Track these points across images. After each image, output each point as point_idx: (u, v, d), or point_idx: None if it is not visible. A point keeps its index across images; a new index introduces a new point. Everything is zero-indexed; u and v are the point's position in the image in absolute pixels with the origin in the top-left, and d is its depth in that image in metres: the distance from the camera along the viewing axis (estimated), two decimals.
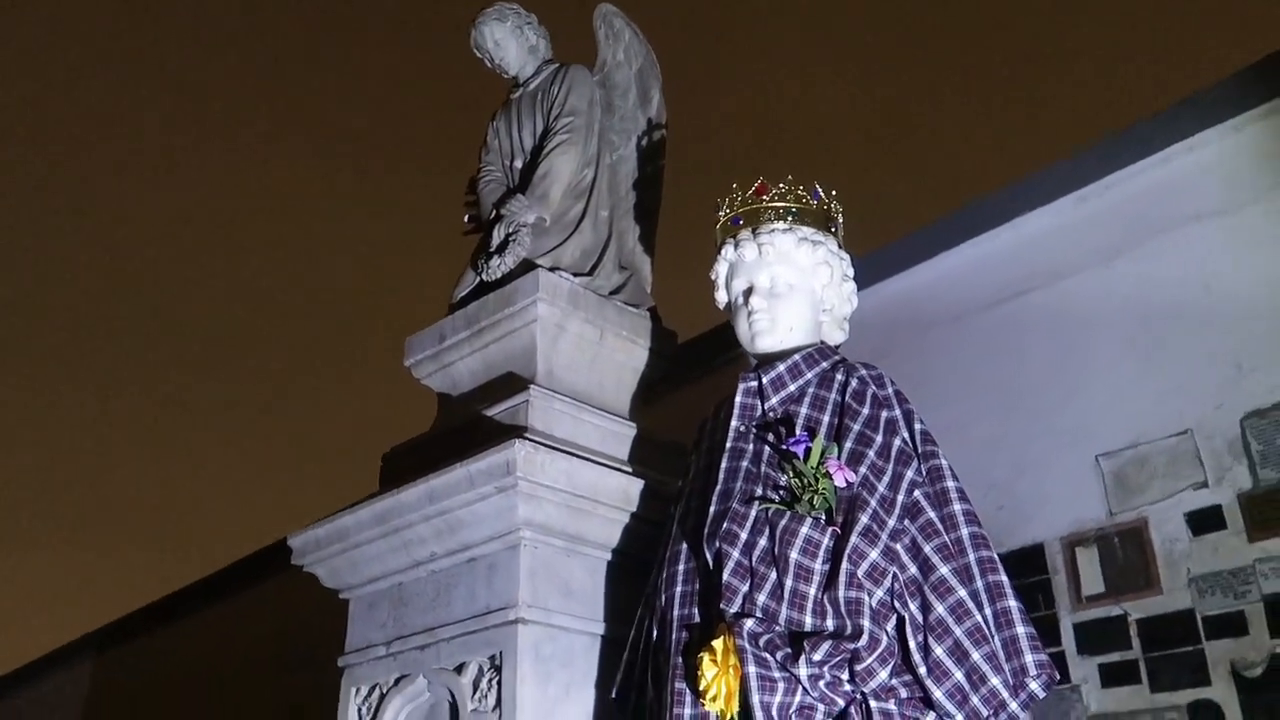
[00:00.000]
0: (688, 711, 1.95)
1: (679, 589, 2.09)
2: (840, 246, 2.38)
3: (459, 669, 2.34)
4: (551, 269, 2.70)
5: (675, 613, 2.07)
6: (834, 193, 2.40)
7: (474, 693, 2.29)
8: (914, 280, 4.16)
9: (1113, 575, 3.43)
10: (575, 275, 2.74)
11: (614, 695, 2.26)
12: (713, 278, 2.39)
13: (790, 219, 2.31)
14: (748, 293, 2.30)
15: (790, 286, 2.29)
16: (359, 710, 2.53)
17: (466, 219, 3.10)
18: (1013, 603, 1.92)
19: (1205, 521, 3.27)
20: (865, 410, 2.11)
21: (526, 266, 2.71)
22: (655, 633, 2.13)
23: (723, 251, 2.37)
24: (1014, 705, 1.88)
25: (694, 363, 4.19)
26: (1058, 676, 1.93)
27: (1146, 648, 3.30)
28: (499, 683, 2.26)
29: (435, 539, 2.44)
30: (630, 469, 2.52)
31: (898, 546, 1.94)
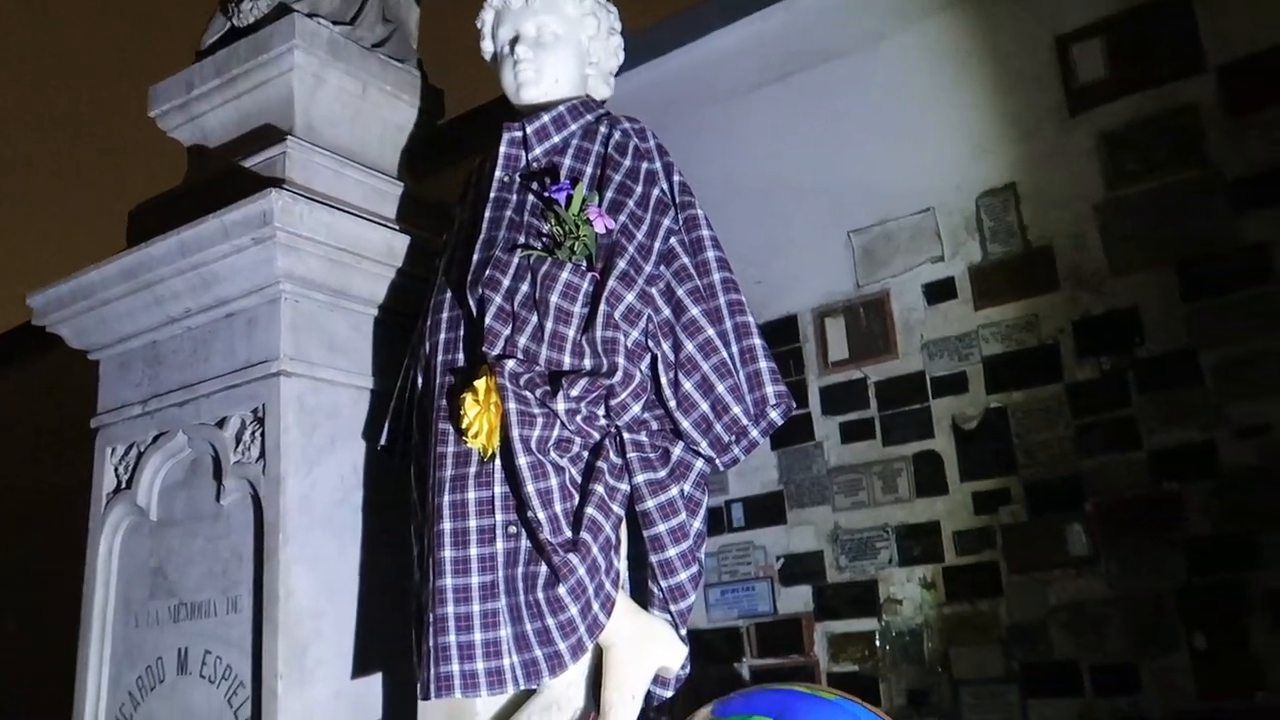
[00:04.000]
0: (450, 450, 2.01)
1: (443, 336, 2.12)
2: None
3: (220, 423, 2.33)
4: (309, 15, 2.56)
5: (439, 358, 2.11)
6: None
7: (237, 445, 2.29)
8: (688, 58, 4.18)
9: (856, 342, 3.71)
10: (335, 24, 2.61)
11: (382, 444, 2.31)
12: (479, 26, 2.34)
13: None
14: (514, 42, 2.27)
15: (556, 37, 2.26)
16: (115, 470, 2.48)
17: None
18: (757, 341, 2.07)
19: (939, 292, 3.56)
20: (627, 162, 2.16)
21: (281, 11, 2.55)
22: (420, 380, 2.17)
23: None
24: (755, 432, 2.05)
25: (473, 138, 4.11)
26: (795, 405, 2.11)
27: (882, 407, 3.62)
28: (262, 434, 2.26)
29: (190, 294, 2.37)
30: (396, 225, 2.50)
31: (653, 290, 2.03)
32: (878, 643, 3.51)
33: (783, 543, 3.75)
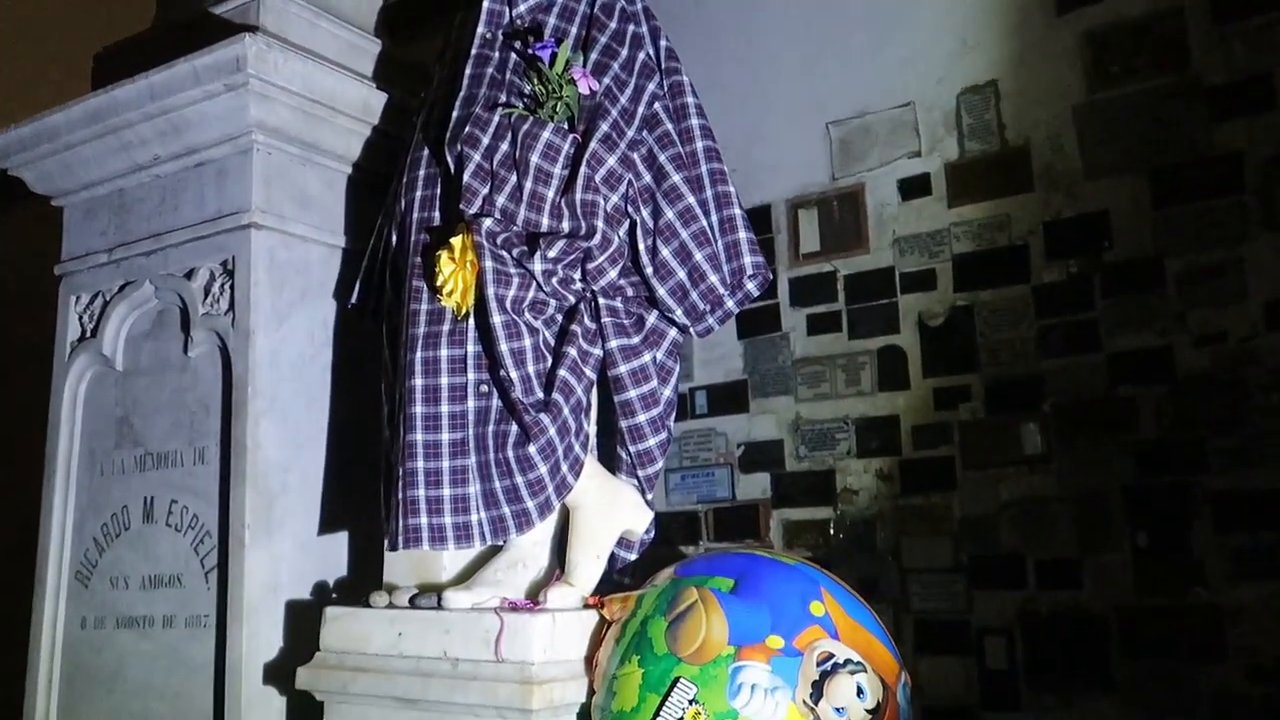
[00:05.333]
0: (424, 307, 1.99)
1: (419, 193, 2.09)
2: None
3: (189, 274, 2.30)
4: None
5: (415, 216, 2.08)
6: None
7: (205, 297, 2.27)
8: None
9: (828, 235, 3.70)
10: None
11: (353, 301, 2.29)
12: None
13: None
14: None
15: None
16: (79, 318, 2.45)
17: None
18: (737, 211, 2.06)
19: (914, 188, 3.54)
20: (613, 24, 2.11)
21: None
22: (395, 237, 2.14)
23: None
24: (730, 303, 2.05)
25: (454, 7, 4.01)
26: (771, 277, 2.11)
27: (850, 300, 3.63)
28: (231, 286, 2.24)
29: (158, 140, 2.31)
30: (373, 82, 2.44)
31: (635, 155, 2.01)
32: (832, 531, 3.58)
33: (744, 431, 3.79)
